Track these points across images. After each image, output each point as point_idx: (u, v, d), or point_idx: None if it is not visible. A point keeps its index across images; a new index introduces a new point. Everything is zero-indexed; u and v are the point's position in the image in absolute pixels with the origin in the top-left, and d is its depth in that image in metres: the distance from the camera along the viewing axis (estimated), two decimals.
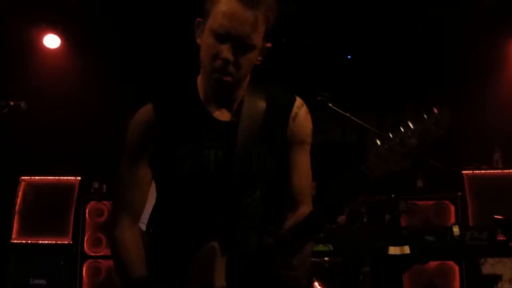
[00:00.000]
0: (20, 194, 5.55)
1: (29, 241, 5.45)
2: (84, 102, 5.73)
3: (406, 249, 3.08)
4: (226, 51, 1.56)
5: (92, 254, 5.48)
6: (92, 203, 5.55)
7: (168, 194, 1.74)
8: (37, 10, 5.30)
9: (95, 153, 5.60)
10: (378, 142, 1.33)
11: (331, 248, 4.02)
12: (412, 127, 1.29)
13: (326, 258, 3.94)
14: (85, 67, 5.73)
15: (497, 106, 5.56)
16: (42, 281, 5.30)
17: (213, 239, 1.59)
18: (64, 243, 5.44)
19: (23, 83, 5.37)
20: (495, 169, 5.35)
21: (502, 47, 5.60)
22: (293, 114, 1.72)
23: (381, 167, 1.34)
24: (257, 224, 1.74)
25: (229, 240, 1.60)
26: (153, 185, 1.77)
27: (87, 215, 5.51)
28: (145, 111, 1.70)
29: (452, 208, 5.22)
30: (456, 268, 5.10)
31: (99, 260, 5.47)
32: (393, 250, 3.09)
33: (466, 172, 5.31)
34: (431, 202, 5.28)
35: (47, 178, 5.64)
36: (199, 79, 1.73)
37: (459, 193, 5.23)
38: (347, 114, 3.30)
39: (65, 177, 5.61)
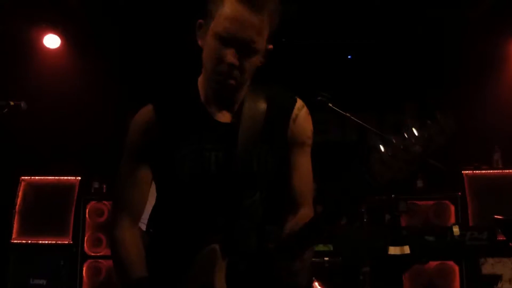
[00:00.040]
0: (20, 194, 5.54)
1: (29, 241, 5.44)
2: (84, 102, 5.73)
3: (406, 249, 3.07)
4: (230, 55, 1.56)
5: (92, 254, 5.47)
6: (92, 203, 5.54)
7: (168, 195, 1.74)
8: (37, 10, 5.29)
9: (95, 153, 5.59)
10: (382, 148, 1.31)
11: (331, 248, 4.02)
12: (416, 134, 1.28)
13: (326, 258, 3.95)
14: (85, 67, 5.73)
15: (497, 106, 5.55)
16: (42, 281, 5.29)
17: (213, 241, 1.59)
18: (64, 243, 5.43)
19: (23, 83, 5.36)
20: (495, 169, 5.34)
21: (502, 47, 5.59)
22: (293, 115, 1.72)
23: (384, 174, 1.32)
24: (257, 226, 1.73)
25: (229, 241, 1.59)
26: (153, 185, 1.77)
27: (87, 215, 5.50)
28: (146, 112, 1.70)
29: (452, 208, 5.21)
30: (456, 268, 5.09)
31: (99, 260, 5.46)
32: (393, 250, 3.08)
33: (466, 172, 5.30)
34: (431, 202, 5.27)
35: (47, 178, 5.63)
36: (200, 80, 1.72)
37: (459, 193, 5.22)
38: (347, 114, 3.29)
39: (65, 177, 5.60)
